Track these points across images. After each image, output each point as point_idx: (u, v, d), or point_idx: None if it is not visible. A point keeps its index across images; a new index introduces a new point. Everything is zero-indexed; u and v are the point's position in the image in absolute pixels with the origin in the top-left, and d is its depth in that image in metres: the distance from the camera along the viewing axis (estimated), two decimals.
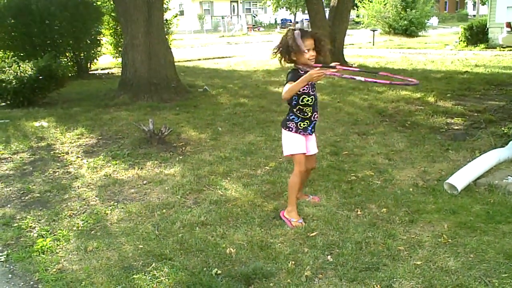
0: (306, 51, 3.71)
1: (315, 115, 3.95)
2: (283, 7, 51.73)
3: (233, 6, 56.18)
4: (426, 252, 3.41)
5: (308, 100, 3.86)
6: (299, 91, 3.78)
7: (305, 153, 3.95)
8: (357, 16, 34.95)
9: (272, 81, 12.05)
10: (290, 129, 3.93)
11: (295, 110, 3.91)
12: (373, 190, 4.58)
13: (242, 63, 16.69)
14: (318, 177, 4.94)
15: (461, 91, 9.52)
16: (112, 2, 12.64)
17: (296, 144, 3.93)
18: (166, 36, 13.18)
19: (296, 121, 3.93)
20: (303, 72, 3.72)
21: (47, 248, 3.66)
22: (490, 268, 3.18)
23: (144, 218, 4.15)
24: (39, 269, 3.38)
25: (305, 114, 3.90)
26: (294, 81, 3.69)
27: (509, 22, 15.55)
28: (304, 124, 3.93)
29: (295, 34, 3.75)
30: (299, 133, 3.94)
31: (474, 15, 42.00)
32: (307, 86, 3.80)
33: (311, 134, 4.01)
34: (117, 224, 4.05)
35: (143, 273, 3.27)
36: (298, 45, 3.71)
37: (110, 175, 5.26)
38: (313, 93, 3.88)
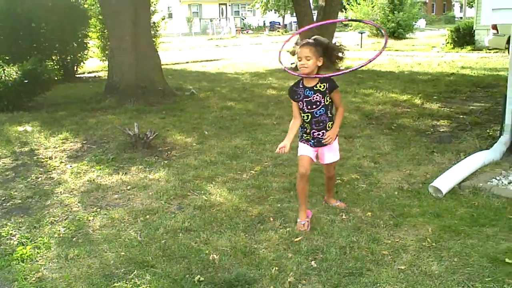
0: (298, 59, 3.75)
1: (314, 132, 3.90)
2: (271, 10, 51.80)
3: (222, 8, 56.16)
4: (410, 256, 3.40)
5: (303, 117, 3.91)
6: (299, 106, 3.89)
7: (308, 157, 3.93)
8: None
9: (260, 84, 12.03)
10: (299, 136, 4.02)
11: (302, 123, 3.98)
12: (358, 194, 4.56)
13: (230, 65, 16.66)
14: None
15: (447, 93, 9.56)
16: (99, 5, 12.55)
17: (299, 147, 3.98)
18: (154, 39, 13.14)
19: (301, 132, 4.01)
20: (300, 86, 3.86)
21: (27, 256, 3.60)
22: (474, 272, 3.18)
23: (127, 224, 4.10)
24: (18, 277, 3.32)
25: (305, 129, 3.95)
26: (290, 96, 3.93)
27: (495, 25, 15.65)
28: (306, 136, 3.98)
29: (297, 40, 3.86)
30: (301, 142, 4.00)
31: (461, 18, 42.30)
32: (301, 103, 3.86)
33: (312, 147, 3.96)
34: (99, 231, 4.00)
35: (125, 281, 3.23)
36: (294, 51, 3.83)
37: (93, 180, 5.20)
38: (309, 111, 3.85)
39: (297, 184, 4.01)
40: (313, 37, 3.80)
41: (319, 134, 3.90)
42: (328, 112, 3.88)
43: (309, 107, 3.84)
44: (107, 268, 3.39)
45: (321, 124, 3.87)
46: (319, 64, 3.76)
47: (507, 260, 3.26)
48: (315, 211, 4.19)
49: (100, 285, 3.19)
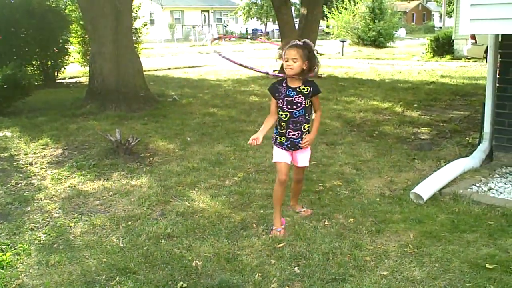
0: (285, 60, 3.78)
1: (289, 132, 3.90)
2: (253, 17, 52.05)
3: (204, 15, 56.22)
4: (392, 262, 3.43)
5: (281, 115, 3.90)
6: (278, 104, 3.89)
7: (286, 163, 3.95)
8: (327, 27, 35.44)
9: (242, 90, 12.06)
10: (272, 139, 4.02)
11: (278, 121, 3.97)
12: (341, 200, 4.59)
13: (212, 72, 16.67)
14: (286, 187, 4.92)
15: (427, 101, 9.69)
16: (80, 10, 12.47)
17: (275, 153, 3.99)
18: (135, 45, 13.07)
19: (275, 133, 4.00)
20: (283, 85, 3.87)
21: (7, 263, 3.54)
22: (455, 277, 3.21)
23: (109, 230, 4.06)
24: None
25: (281, 128, 3.94)
26: (270, 92, 3.93)
27: (474, 34, 15.93)
28: (280, 139, 3.96)
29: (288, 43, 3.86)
30: (276, 146, 3.98)
31: (441, 27, 42.97)
32: (281, 101, 3.86)
33: (287, 150, 3.95)
34: (80, 237, 3.95)
35: None
36: (280, 53, 3.86)
37: (74, 186, 5.15)
38: (288, 110, 3.85)
39: (276, 190, 4.00)
40: (303, 40, 3.83)
41: (294, 135, 3.91)
42: (307, 114, 3.91)
43: (289, 106, 3.85)
44: (89, 275, 3.35)
45: (297, 124, 3.88)
46: (304, 67, 3.78)
47: (487, 265, 3.31)
48: (298, 217, 4.21)
49: None
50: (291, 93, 3.84)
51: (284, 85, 3.87)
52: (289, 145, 3.94)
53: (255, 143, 3.78)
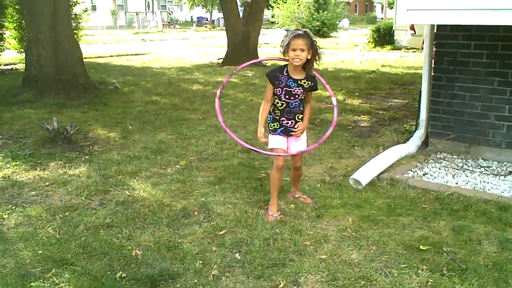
0: (291, 50, 3.73)
1: (283, 120, 3.95)
2: (199, 5, 51.58)
3: (148, 2, 55.12)
4: (331, 246, 3.50)
5: (278, 103, 3.94)
6: (274, 92, 3.90)
7: (282, 149, 4.00)
8: (272, 16, 35.58)
9: (186, 78, 11.93)
10: (267, 126, 4.05)
11: (271, 108, 4.00)
12: (282, 187, 4.61)
13: (156, 60, 16.39)
14: (228, 174, 4.94)
15: (368, 90, 9.92)
16: None
17: (271, 140, 4.03)
18: (75, 32, 12.66)
19: (269, 120, 4.04)
20: (285, 74, 3.86)
21: None
22: (391, 259, 3.32)
23: (45, 221, 3.93)
24: None
25: (275, 115, 3.98)
26: (269, 79, 3.91)
27: (413, 25, 16.41)
28: (274, 126, 4.01)
29: (290, 32, 3.83)
30: (271, 133, 4.03)
31: (382, 18, 44.02)
32: (279, 89, 3.87)
33: (282, 135, 4.00)
34: (14, 229, 3.80)
35: (42, 280, 3.09)
36: (283, 42, 3.80)
37: (8, 177, 4.94)
38: (286, 100, 3.89)
39: (273, 176, 4.06)
40: (303, 30, 3.83)
41: (287, 123, 3.97)
42: (301, 105, 3.98)
43: (287, 96, 3.89)
44: (23, 268, 3.23)
45: (291, 114, 3.95)
46: (309, 57, 3.79)
47: (421, 247, 3.44)
48: (240, 204, 4.21)
49: (16, 285, 3.03)
50: (292, 84, 3.87)
51: (285, 74, 3.87)
52: (283, 131, 3.99)
53: (263, 137, 3.93)
